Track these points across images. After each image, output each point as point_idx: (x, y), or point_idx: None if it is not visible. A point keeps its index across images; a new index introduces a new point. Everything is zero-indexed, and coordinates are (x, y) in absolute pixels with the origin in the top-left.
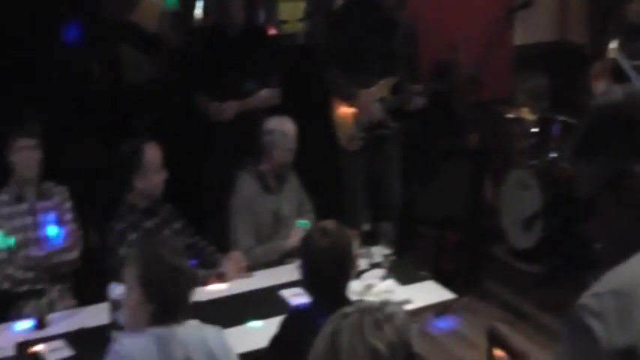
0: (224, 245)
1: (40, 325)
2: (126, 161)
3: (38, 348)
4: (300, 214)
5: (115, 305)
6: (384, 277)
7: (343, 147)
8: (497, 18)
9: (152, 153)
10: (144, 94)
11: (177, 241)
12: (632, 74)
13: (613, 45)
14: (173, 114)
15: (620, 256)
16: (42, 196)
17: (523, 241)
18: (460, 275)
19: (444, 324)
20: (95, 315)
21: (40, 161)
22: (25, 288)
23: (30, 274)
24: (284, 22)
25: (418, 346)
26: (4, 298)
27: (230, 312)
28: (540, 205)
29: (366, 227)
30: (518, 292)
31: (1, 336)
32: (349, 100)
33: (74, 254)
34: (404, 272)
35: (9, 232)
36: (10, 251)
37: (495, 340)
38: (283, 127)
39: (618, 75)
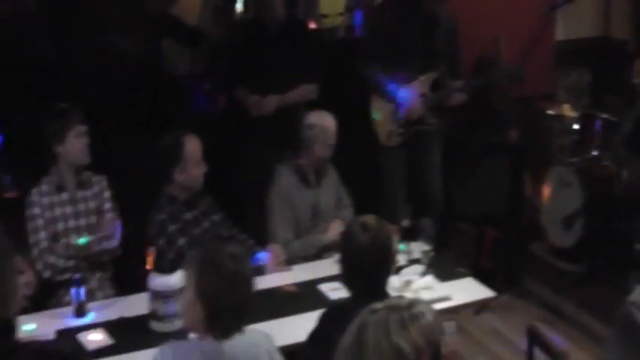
0: (263, 239)
1: (80, 313)
2: (166, 153)
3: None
4: (338, 209)
5: (155, 295)
6: (423, 274)
7: (383, 143)
8: (539, 13)
9: (192, 146)
10: (185, 86)
11: (237, 245)
12: None
13: None
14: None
15: None
16: (82, 185)
17: (563, 239)
18: (499, 273)
19: None
20: (134, 305)
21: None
22: (66, 276)
23: (70, 263)
24: (324, 16)
25: (456, 343)
26: (46, 286)
27: (268, 305)
28: (581, 203)
29: (406, 223)
30: (557, 292)
31: (41, 324)
32: (389, 96)
33: (114, 243)
34: (443, 269)
35: (50, 222)
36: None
37: (535, 339)
38: (324, 122)
39: None
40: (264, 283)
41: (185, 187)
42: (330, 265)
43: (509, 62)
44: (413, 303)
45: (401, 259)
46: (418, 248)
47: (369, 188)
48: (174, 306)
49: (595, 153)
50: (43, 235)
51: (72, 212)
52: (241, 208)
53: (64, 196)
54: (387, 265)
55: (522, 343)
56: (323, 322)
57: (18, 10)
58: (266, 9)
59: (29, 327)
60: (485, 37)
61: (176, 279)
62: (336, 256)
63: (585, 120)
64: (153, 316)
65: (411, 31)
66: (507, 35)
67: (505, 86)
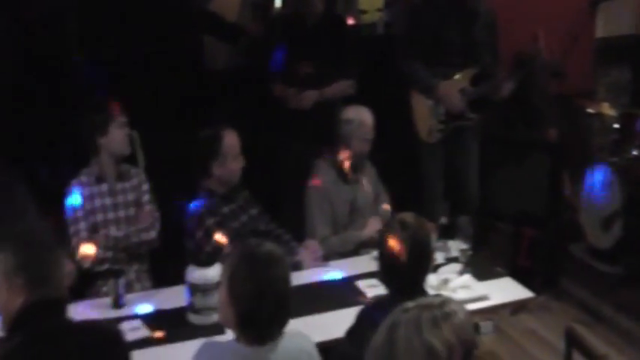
0: (300, 234)
1: (117, 304)
2: (205, 147)
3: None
4: (376, 205)
5: (193, 288)
6: (461, 272)
7: (423, 139)
8: (580, 9)
9: (230, 140)
10: (223, 81)
11: (274, 244)
12: None
13: None
14: (251, 102)
15: None
16: (121, 177)
17: (602, 240)
18: (536, 273)
19: None
20: (172, 297)
21: None
22: (104, 267)
23: (109, 254)
24: (363, 11)
25: (493, 343)
26: (84, 276)
27: (306, 301)
28: (620, 204)
29: (444, 220)
30: (596, 293)
31: (79, 314)
32: (429, 92)
33: (152, 234)
34: (480, 268)
35: (89, 213)
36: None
37: (574, 341)
38: (362, 117)
39: None
40: (301, 278)
41: (223, 181)
42: (367, 262)
43: (548, 58)
44: (445, 302)
45: (439, 257)
46: (456, 246)
47: (406, 185)
48: (212, 299)
49: (635, 152)
50: (82, 225)
51: (111, 204)
52: (279, 203)
53: (104, 187)
54: (425, 263)
55: (560, 344)
56: (360, 319)
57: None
58: (305, 5)
59: None
60: (524, 33)
61: (214, 272)
62: (374, 253)
63: (625, 119)
64: (190, 308)
65: (450, 26)
66: (547, 31)
67: (544, 83)
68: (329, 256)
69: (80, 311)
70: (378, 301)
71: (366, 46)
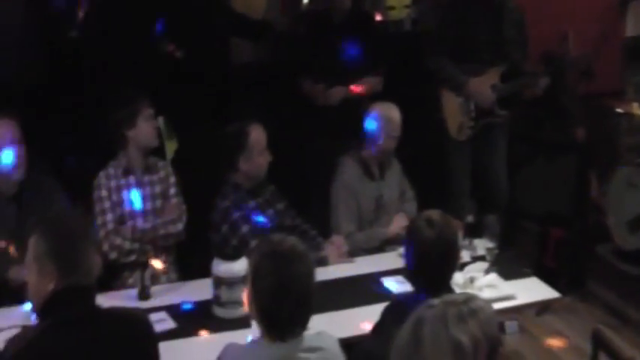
0: (325, 229)
1: (144, 296)
2: (231, 141)
3: None
4: (402, 202)
5: (218, 281)
6: (487, 271)
7: (452, 136)
8: (610, 8)
9: (257, 135)
10: (250, 76)
11: (299, 240)
12: None
13: None
14: (278, 97)
15: None
16: (148, 170)
17: (629, 242)
18: (562, 274)
19: None
20: (197, 290)
21: None
22: (131, 259)
23: (136, 246)
24: (391, 8)
25: (517, 343)
26: (111, 267)
27: (331, 296)
28: None
29: (470, 219)
30: (622, 295)
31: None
32: (459, 89)
33: (179, 227)
34: (507, 267)
35: (116, 204)
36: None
37: (601, 343)
38: (389, 114)
39: None
40: (326, 274)
41: (249, 176)
42: (393, 259)
43: (578, 57)
44: (470, 298)
45: (465, 256)
46: (482, 245)
47: (432, 182)
48: (237, 292)
49: None
50: (109, 217)
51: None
52: (304, 198)
53: (131, 179)
54: (451, 261)
55: (585, 345)
56: (385, 315)
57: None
58: (332, 1)
59: None
60: (553, 31)
61: (240, 266)
62: (400, 250)
63: None
64: (216, 301)
65: (479, 23)
66: (576, 30)
67: (573, 83)
68: (354, 252)
69: (106, 302)
70: (404, 298)
71: (394, 43)
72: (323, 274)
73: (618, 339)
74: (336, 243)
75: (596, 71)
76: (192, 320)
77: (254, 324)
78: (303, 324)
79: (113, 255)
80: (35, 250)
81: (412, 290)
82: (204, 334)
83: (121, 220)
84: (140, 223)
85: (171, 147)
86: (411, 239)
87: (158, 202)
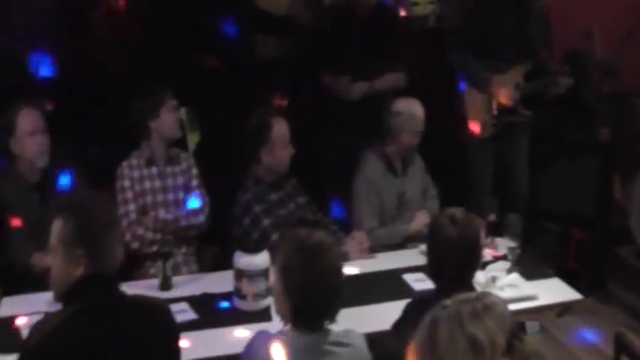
0: (347, 225)
1: (165, 286)
2: (254, 134)
3: None
4: (424, 199)
5: (240, 274)
6: (509, 271)
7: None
8: (635, 5)
9: (280, 128)
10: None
11: (324, 233)
12: None
13: None
14: (301, 92)
15: None
16: (171, 161)
17: None
18: (584, 275)
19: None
20: (218, 281)
21: None
22: (153, 249)
23: (158, 236)
24: (415, 3)
25: (539, 344)
26: (133, 257)
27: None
28: None
29: (492, 217)
30: None
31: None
32: (482, 85)
33: (201, 219)
34: (528, 267)
35: (139, 195)
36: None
37: (624, 346)
38: (412, 110)
39: None
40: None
41: (271, 169)
42: (414, 256)
43: (603, 55)
44: (483, 294)
45: (486, 255)
46: (504, 244)
47: (454, 180)
48: (258, 285)
49: None
50: (132, 207)
51: (160, 186)
52: (326, 193)
53: (154, 170)
54: (474, 260)
55: (606, 347)
56: (407, 313)
57: None
58: None
59: None
60: (577, 29)
61: (261, 259)
62: (421, 247)
63: None
64: (236, 294)
65: (504, 20)
66: (601, 28)
67: (597, 81)
68: (375, 248)
69: (128, 292)
70: (426, 295)
71: (417, 39)
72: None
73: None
74: (358, 238)
75: (620, 70)
76: (213, 312)
77: (275, 317)
78: (332, 317)
79: (135, 245)
80: (61, 234)
81: (434, 288)
82: (225, 326)
83: (143, 211)
84: (162, 213)
85: (193, 139)
86: (433, 237)
87: (180, 194)
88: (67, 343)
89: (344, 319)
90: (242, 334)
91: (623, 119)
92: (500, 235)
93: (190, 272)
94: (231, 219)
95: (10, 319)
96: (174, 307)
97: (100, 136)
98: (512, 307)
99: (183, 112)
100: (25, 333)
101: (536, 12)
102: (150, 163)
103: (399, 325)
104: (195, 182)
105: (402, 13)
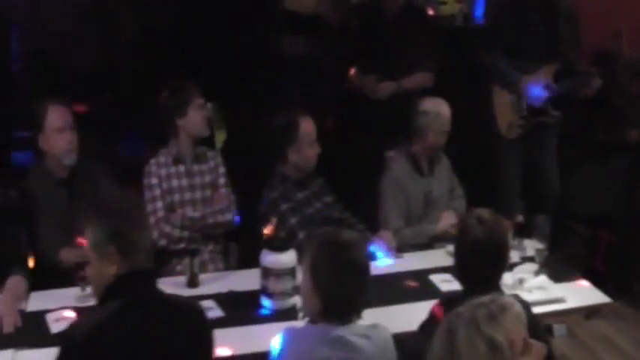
0: (373, 224)
1: (192, 284)
2: (281, 133)
3: None
4: (451, 199)
5: (266, 272)
6: (537, 273)
7: (502, 134)
8: None
9: (307, 126)
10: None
11: (352, 231)
12: None
13: None
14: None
15: None
16: (198, 159)
17: None
18: (611, 278)
19: None
20: (245, 279)
21: None
22: (180, 246)
23: (185, 234)
24: (443, 2)
25: (566, 347)
26: (160, 254)
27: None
28: None
29: (520, 218)
30: None
31: None
32: (511, 86)
33: (228, 217)
34: (556, 269)
35: (166, 192)
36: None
37: None
38: (438, 109)
39: None
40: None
41: (298, 167)
42: (441, 256)
43: (632, 56)
44: (497, 296)
45: (514, 256)
46: (532, 246)
47: (481, 180)
48: (285, 284)
49: None
50: (159, 204)
51: (188, 184)
52: (352, 192)
53: (181, 168)
54: (501, 261)
55: (633, 352)
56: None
57: None
58: None
59: None
60: (606, 29)
61: (288, 257)
62: (448, 247)
63: None
64: (263, 292)
65: (533, 20)
66: (630, 28)
67: (626, 83)
68: (402, 248)
69: None
70: (453, 296)
71: (445, 38)
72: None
73: None
74: (384, 238)
75: None
76: (240, 310)
77: (301, 316)
78: (358, 311)
79: (162, 242)
80: (93, 239)
81: (460, 289)
82: (250, 324)
83: (170, 208)
84: (189, 211)
85: (220, 137)
86: (461, 237)
87: (207, 192)
88: (112, 337)
89: (371, 319)
90: (268, 332)
91: None
92: (528, 236)
93: (217, 270)
94: (257, 217)
95: (39, 314)
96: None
97: (134, 132)
98: (540, 309)
99: (209, 110)
100: (53, 327)
101: (564, 12)
102: (177, 161)
103: (425, 326)
104: (222, 180)
105: (430, 12)
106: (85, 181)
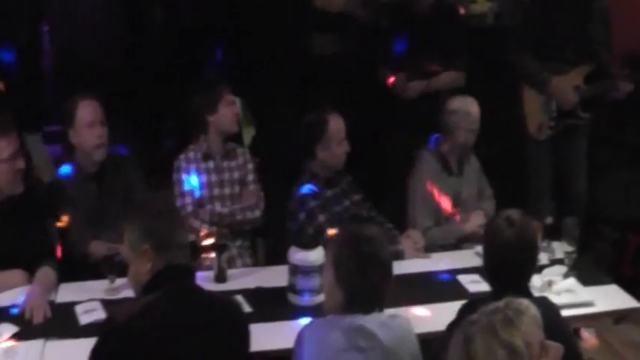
0: (401, 223)
1: (220, 279)
2: (310, 130)
3: None
4: (480, 199)
5: (294, 269)
6: (566, 275)
7: (532, 135)
8: None
9: (336, 124)
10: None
11: (376, 227)
12: None
13: None
14: (358, 89)
15: None
16: (227, 155)
17: None
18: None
19: None
20: (273, 276)
21: None
22: (210, 241)
23: (214, 229)
24: (473, 1)
25: (594, 351)
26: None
27: (405, 291)
28: None
29: (549, 220)
30: None
31: None
32: (541, 86)
33: (256, 213)
34: (585, 272)
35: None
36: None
37: None
38: (467, 108)
39: None
40: (401, 268)
41: (327, 165)
42: (470, 257)
43: None
44: (510, 301)
45: (543, 258)
46: (561, 248)
47: (511, 181)
48: (313, 281)
49: None
50: (188, 199)
51: (217, 180)
52: (381, 191)
53: (210, 164)
54: (531, 263)
55: None
56: (462, 315)
57: None
58: None
59: None
60: (637, 31)
61: (316, 255)
62: (477, 248)
63: None
64: (291, 289)
65: (564, 21)
66: None
67: None
68: (430, 247)
69: None
70: (481, 297)
71: (476, 37)
72: (398, 268)
73: None
74: (413, 237)
75: None
76: (267, 306)
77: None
78: (380, 305)
79: (191, 237)
80: (129, 240)
81: (489, 290)
82: (278, 320)
83: (199, 204)
84: (218, 207)
85: (249, 133)
86: (490, 238)
87: (236, 188)
88: (151, 324)
89: None
90: (294, 329)
91: None
92: (557, 238)
93: (244, 265)
94: (285, 214)
95: (68, 305)
96: None
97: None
98: (568, 312)
99: (239, 106)
100: (82, 319)
101: (597, 13)
102: (207, 157)
103: (453, 326)
104: (251, 177)
105: (460, 10)
106: (115, 175)
